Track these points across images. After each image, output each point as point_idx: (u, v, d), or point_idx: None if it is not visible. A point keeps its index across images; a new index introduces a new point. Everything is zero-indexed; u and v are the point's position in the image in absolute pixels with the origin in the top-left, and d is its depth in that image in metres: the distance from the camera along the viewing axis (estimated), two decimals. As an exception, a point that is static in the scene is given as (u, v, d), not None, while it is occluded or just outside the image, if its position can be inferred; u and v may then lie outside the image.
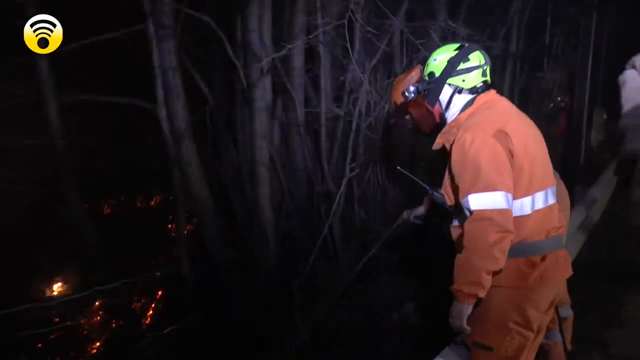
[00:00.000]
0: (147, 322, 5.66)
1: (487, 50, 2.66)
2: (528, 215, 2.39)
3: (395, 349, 4.31)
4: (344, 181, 5.10)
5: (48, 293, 5.61)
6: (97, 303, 5.58)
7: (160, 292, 5.87)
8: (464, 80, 2.55)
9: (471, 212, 2.33)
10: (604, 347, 3.85)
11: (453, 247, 2.56)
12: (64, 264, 5.55)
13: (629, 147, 2.56)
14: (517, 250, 2.39)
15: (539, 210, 2.40)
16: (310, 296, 5.13)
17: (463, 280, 2.35)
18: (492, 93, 2.58)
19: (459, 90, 2.57)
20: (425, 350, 3.05)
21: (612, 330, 4.11)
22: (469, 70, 2.55)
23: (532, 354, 2.55)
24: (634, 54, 3.24)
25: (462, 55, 2.56)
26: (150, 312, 5.78)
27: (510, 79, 7.24)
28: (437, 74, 2.61)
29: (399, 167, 3.20)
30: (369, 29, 4.77)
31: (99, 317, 5.51)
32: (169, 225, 6.24)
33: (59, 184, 4.75)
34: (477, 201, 2.31)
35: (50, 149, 4.61)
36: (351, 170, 5.14)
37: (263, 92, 5.26)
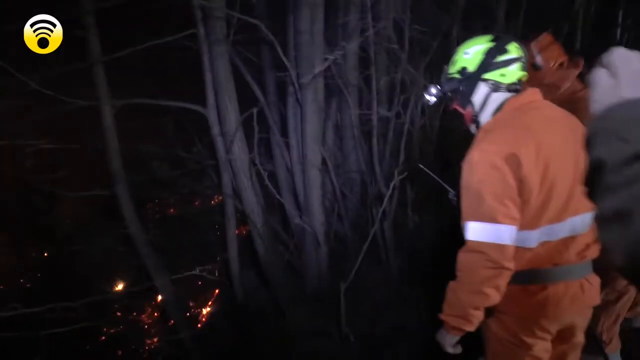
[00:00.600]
0: (199, 321, 5.77)
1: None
2: (531, 249, 2.15)
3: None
4: (393, 183, 4.99)
5: (108, 289, 5.81)
6: (152, 303, 5.75)
7: (212, 293, 5.97)
8: (503, 75, 2.24)
9: (467, 241, 2.12)
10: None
11: None
12: (122, 263, 5.74)
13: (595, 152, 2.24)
14: (514, 277, 2.15)
15: (547, 243, 2.16)
16: (358, 300, 5.07)
17: (449, 312, 2.21)
18: (529, 94, 2.26)
19: (495, 88, 2.26)
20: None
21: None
22: (507, 63, 2.23)
23: None
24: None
25: (499, 46, 2.24)
26: (203, 312, 5.89)
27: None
28: (471, 69, 2.29)
29: (421, 165, 3.05)
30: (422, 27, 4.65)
31: (148, 317, 5.65)
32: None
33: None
34: (474, 231, 2.11)
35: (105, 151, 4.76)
36: (400, 173, 5.02)
37: (315, 94, 5.22)
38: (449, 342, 2.27)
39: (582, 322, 2.37)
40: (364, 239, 5.69)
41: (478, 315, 2.16)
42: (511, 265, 2.08)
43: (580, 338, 2.41)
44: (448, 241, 5.69)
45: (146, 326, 5.98)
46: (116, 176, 4.77)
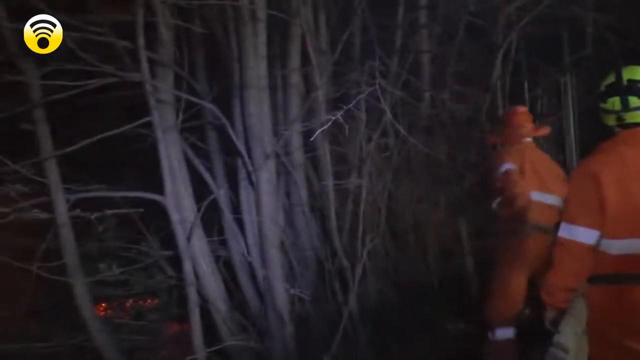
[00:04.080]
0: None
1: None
2: (611, 254, 2.51)
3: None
4: (364, 254, 5.06)
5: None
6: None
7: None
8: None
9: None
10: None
11: None
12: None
13: None
14: (599, 278, 2.59)
15: (632, 255, 2.48)
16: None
17: (543, 291, 2.77)
18: (624, 134, 2.64)
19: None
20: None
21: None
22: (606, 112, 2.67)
23: None
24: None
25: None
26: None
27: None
28: None
29: None
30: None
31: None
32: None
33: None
34: (561, 228, 2.63)
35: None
36: (371, 240, 5.10)
37: (269, 174, 5.26)
38: (547, 317, 2.75)
39: None
40: (325, 314, 5.66)
41: (563, 297, 2.69)
42: (586, 259, 2.55)
43: None
44: (412, 307, 5.79)
45: None
46: (72, 272, 4.48)
